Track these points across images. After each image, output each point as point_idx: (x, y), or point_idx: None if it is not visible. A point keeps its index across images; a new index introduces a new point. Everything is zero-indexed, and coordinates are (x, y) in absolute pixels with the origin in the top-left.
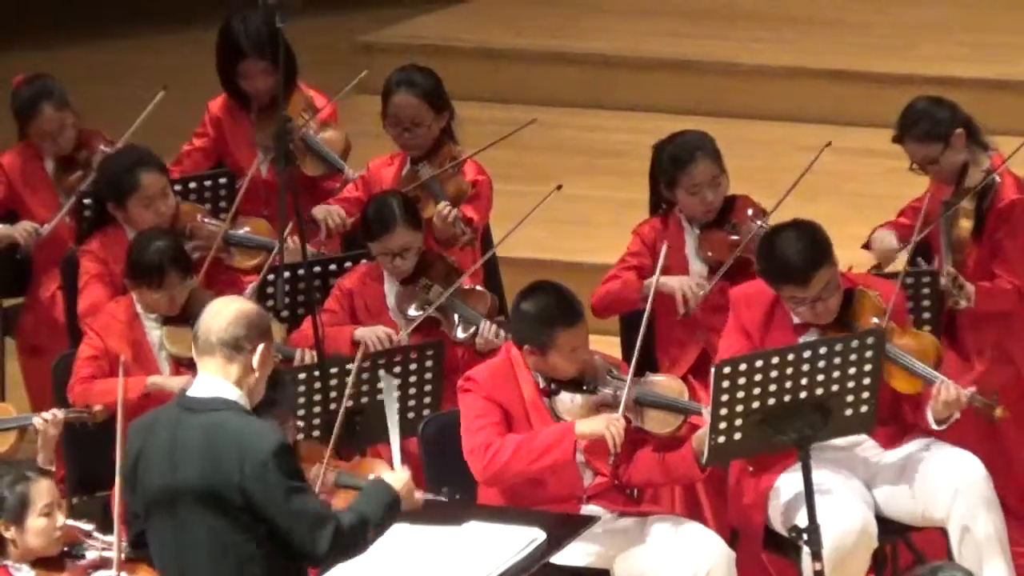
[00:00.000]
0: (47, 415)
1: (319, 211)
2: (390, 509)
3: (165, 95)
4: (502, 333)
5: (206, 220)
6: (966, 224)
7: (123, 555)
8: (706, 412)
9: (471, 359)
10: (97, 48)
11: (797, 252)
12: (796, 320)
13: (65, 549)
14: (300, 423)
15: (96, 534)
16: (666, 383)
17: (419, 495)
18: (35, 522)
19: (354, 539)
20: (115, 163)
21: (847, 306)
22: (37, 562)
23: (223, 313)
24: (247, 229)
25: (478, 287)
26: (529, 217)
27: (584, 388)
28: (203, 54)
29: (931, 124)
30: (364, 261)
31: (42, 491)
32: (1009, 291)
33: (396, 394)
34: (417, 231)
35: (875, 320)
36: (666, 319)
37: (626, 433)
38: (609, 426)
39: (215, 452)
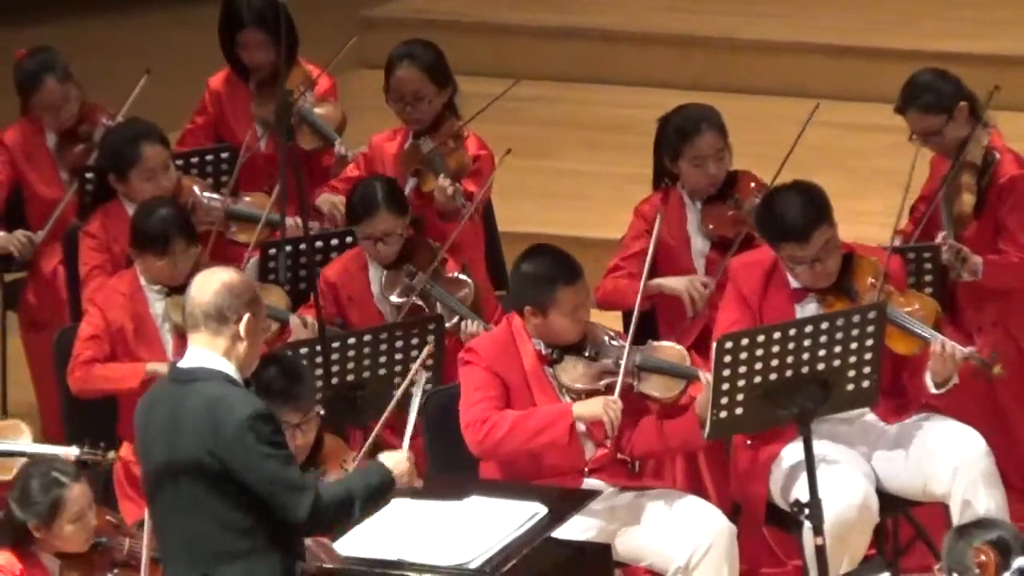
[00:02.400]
0: (62, 454)
1: (323, 202)
2: (380, 487)
3: (157, 73)
4: (483, 326)
5: (207, 194)
6: (969, 199)
7: (151, 555)
8: (703, 376)
9: (454, 344)
10: (94, 23)
11: (797, 210)
12: (795, 284)
13: (94, 542)
14: (321, 412)
15: (125, 527)
16: (668, 349)
17: (418, 482)
18: (65, 528)
19: (337, 511)
20: (118, 136)
21: (845, 270)
22: (63, 553)
23: (207, 286)
24: (248, 200)
25: (460, 275)
26: (530, 191)
27: (586, 355)
28: (200, 32)
29: (935, 96)
30: (348, 250)
31: (74, 497)
32: (1017, 265)
33: (424, 387)
34: (400, 217)
35: (871, 281)
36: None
37: (628, 401)
38: (607, 409)
39: (191, 422)
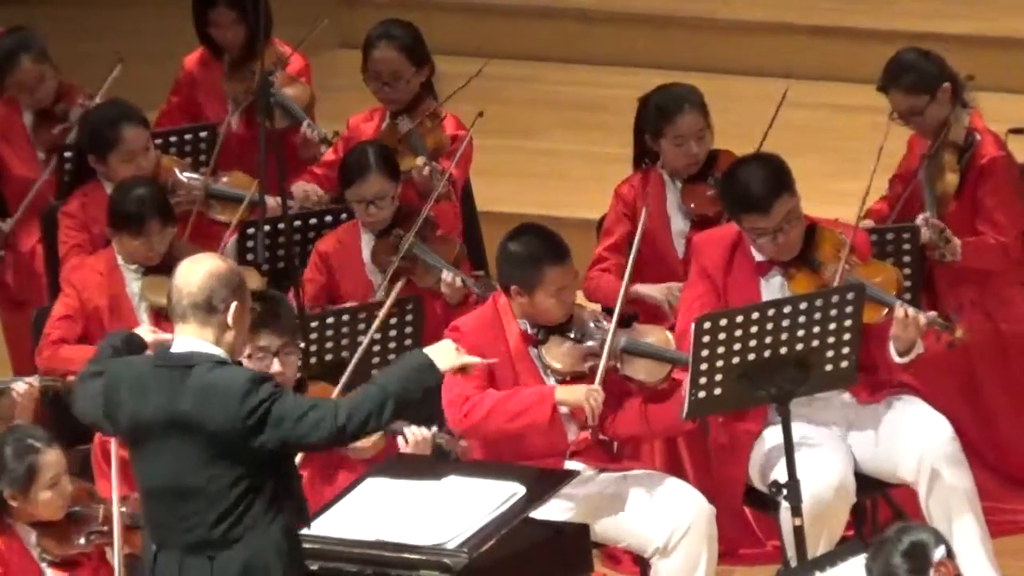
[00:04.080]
0: (23, 384)
1: (298, 191)
2: (417, 372)
3: (134, 52)
4: (463, 279)
5: (186, 174)
6: (952, 178)
7: (124, 523)
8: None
9: (447, 313)
10: (69, 4)
11: (759, 180)
12: (758, 258)
13: (69, 511)
14: (302, 344)
15: (99, 496)
16: (653, 332)
17: (468, 359)
18: (42, 494)
19: (367, 414)
20: (97, 117)
21: (808, 243)
22: (39, 522)
23: (193, 275)
24: (226, 180)
25: (447, 234)
26: (508, 171)
27: (571, 336)
28: (177, 11)
29: (919, 76)
30: (328, 229)
31: (50, 462)
32: (994, 247)
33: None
34: (392, 180)
35: (835, 252)
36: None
37: (612, 384)
38: (589, 398)
39: (191, 399)
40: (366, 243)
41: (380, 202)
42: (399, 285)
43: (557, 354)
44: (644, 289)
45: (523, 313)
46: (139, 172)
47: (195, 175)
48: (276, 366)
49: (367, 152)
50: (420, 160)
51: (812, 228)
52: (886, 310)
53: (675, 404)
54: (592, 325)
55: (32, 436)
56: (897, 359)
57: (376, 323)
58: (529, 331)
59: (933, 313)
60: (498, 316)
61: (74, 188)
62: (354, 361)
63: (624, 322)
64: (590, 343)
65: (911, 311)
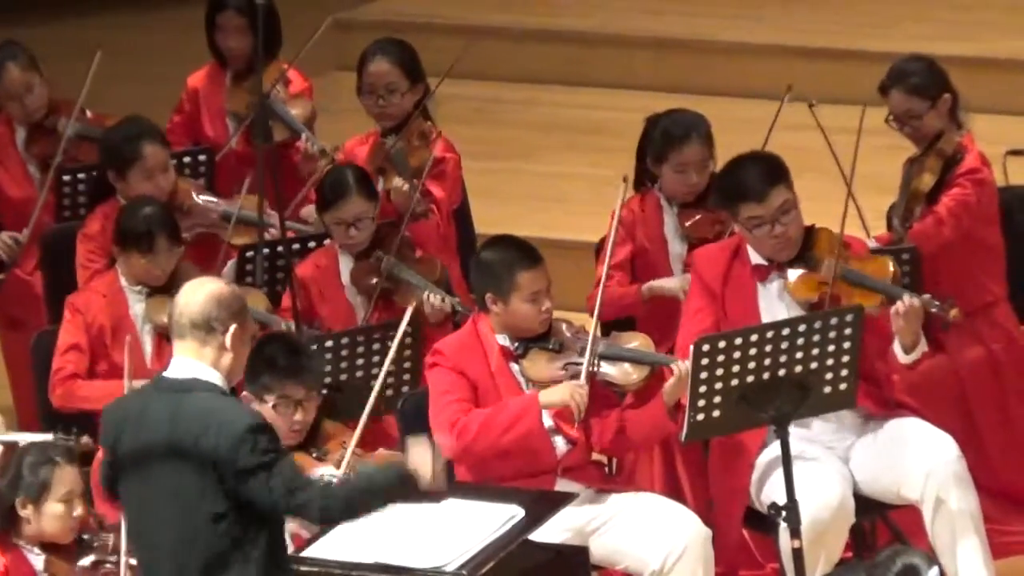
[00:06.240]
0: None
1: (309, 215)
2: (400, 482)
3: (146, 74)
4: (448, 300)
5: (203, 197)
6: (928, 179)
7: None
8: (677, 365)
9: (426, 333)
10: (79, 25)
11: (754, 170)
12: (756, 261)
13: (77, 537)
14: (324, 392)
15: (107, 525)
16: (630, 337)
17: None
18: (52, 507)
19: (346, 499)
20: (118, 133)
21: (805, 243)
22: (48, 546)
23: (195, 296)
24: (243, 204)
25: (428, 255)
26: (509, 194)
27: (550, 348)
28: (188, 33)
29: (923, 80)
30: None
31: (65, 478)
32: (929, 224)
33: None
34: (371, 201)
35: (829, 247)
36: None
37: (596, 395)
38: (573, 394)
39: (188, 434)
40: (344, 266)
41: (360, 223)
42: (411, 308)
43: (538, 367)
44: (659, 282)
45: (502, 326)
46: (158, 191)
47: (212, 198)
48: (298, 415)
49: (345, 174)
50: (398, 179)
51: (810, 230)
52: (880, 298)
53: (657, 405)
54: (571, 335)
55: (54, 450)
56: (903, 357)
57: (391, 353)
58: (509, 346)
59: (927, 296)
60: (478, 335)
61: (92, 208)
62: (374, 394)
63: (603, 331)
64: (569, 352)
65: (908, 298)
